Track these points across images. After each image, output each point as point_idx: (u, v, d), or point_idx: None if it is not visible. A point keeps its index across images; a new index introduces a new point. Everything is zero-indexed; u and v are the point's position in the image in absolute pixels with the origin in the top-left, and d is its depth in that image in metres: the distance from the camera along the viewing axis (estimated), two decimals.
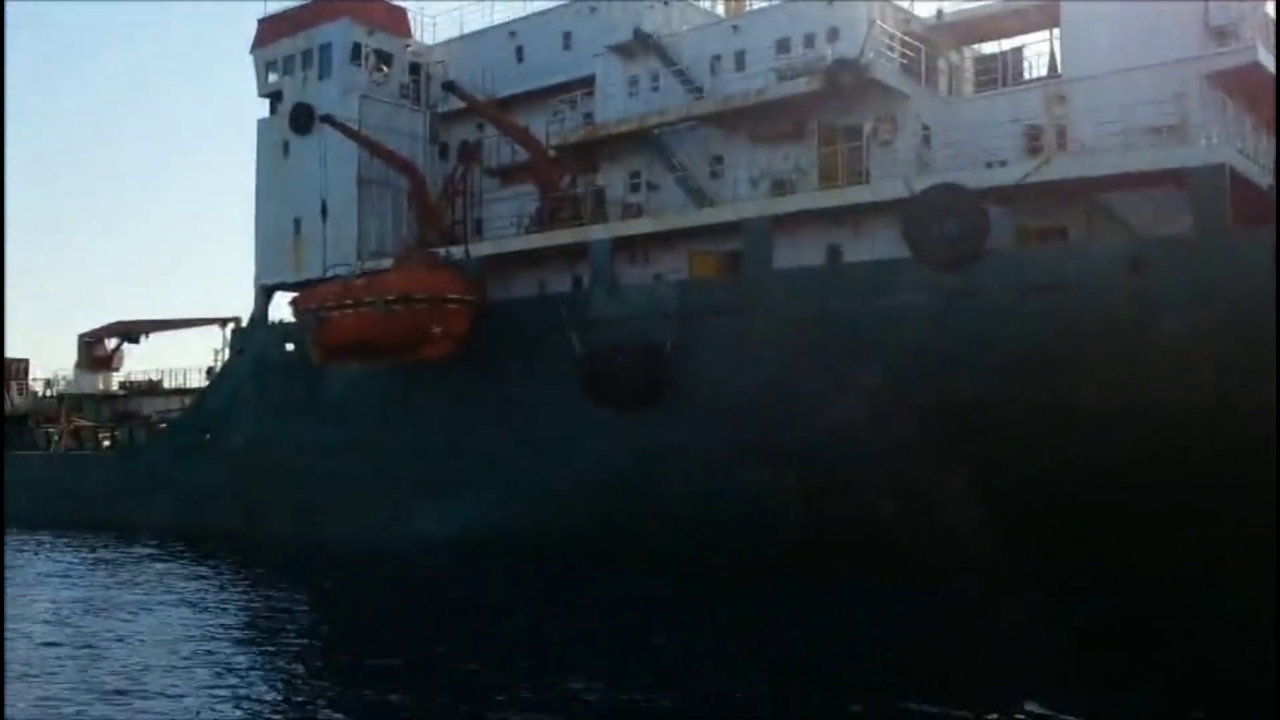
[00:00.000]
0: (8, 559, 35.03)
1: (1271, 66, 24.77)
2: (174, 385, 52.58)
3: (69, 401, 53.65)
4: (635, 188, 32.23)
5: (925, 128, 27.91)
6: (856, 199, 26.85)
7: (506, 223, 35.21)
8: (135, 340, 54.84)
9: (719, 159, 30.72)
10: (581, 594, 26.06)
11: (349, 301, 31.85)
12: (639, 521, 28.15)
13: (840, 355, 25.67)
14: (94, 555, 34.66)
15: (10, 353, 61.06)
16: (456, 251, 32.87)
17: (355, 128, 35.58)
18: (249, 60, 40.25)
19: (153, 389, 53.51)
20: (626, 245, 30.82)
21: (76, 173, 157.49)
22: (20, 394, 56.67)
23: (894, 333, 25.11)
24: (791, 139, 29.14)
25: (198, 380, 51.23)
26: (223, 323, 50.28)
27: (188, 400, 49.25)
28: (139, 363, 58.17)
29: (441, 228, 35.96)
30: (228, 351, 49.72)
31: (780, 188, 28.96)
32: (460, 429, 32.17)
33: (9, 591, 26.71)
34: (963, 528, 23.87)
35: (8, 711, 14.75)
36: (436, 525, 32.53)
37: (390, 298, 30.85)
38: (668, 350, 28.10)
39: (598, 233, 30.66)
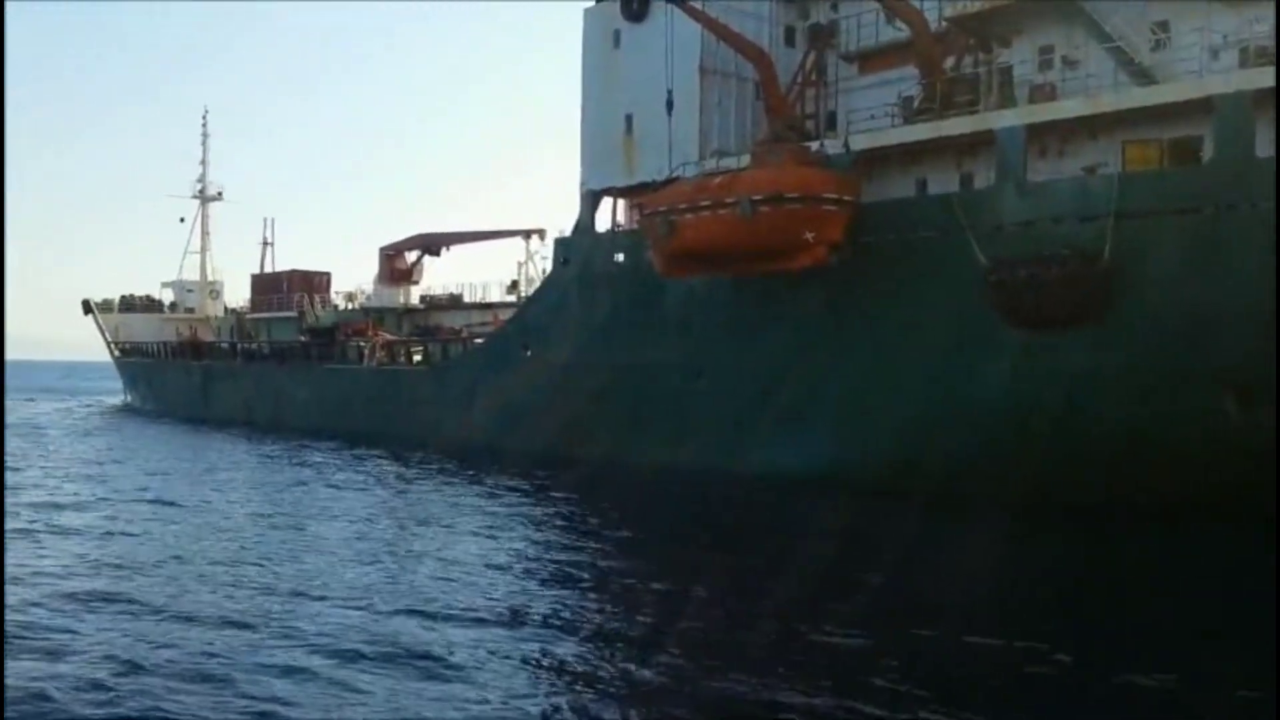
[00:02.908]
0: (357, 467, 34.12)
1: None
2: (474, 300, 51.17)
3: (372, 315, 53.21)
4: (1047, 65, 27.17)
5: None
6: None
7: (868, 114, 30.83)
8: (436, 253, 53.79)
9: (1163, 25, 25.35)
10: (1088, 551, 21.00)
11: (705, 203, 28.33)
12: (1055, 459, 23.93)
13: None
14: (442, 474, 33.13)
15: (313, 265, 61.75)
16: (831, 145, 28.71)
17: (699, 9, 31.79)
18: None
19: (453, 303, 52.36)
20: (1034, 136, 25.98)
21: (376, 87, 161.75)
22: (323, 306, 56.82)
23: None
24: None
25: (498, 295, 49.67)
26: (526, 234, 48.48)
27: (490, 315, 47.68)
28: (434, 277, 57.53)
29: (794, 121, 31.82)
30: (532, 265, 47.86)
31: (1256, 58, 23.34)
32: (829, 349, 28.32)
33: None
34: None
35: None
36: (790, 455, 29.06)
37: (756, 198, 27.09)
38: (1105, 258, 23.33)
39: (1007, 119, 25.84)
